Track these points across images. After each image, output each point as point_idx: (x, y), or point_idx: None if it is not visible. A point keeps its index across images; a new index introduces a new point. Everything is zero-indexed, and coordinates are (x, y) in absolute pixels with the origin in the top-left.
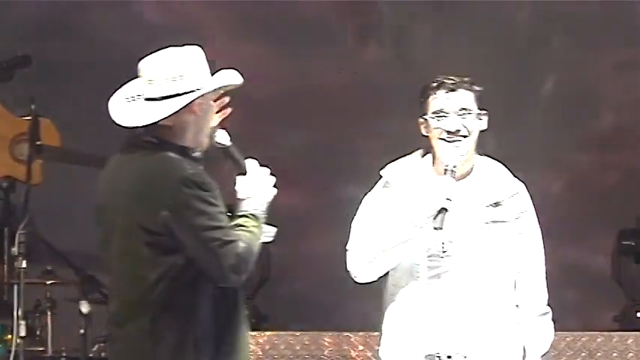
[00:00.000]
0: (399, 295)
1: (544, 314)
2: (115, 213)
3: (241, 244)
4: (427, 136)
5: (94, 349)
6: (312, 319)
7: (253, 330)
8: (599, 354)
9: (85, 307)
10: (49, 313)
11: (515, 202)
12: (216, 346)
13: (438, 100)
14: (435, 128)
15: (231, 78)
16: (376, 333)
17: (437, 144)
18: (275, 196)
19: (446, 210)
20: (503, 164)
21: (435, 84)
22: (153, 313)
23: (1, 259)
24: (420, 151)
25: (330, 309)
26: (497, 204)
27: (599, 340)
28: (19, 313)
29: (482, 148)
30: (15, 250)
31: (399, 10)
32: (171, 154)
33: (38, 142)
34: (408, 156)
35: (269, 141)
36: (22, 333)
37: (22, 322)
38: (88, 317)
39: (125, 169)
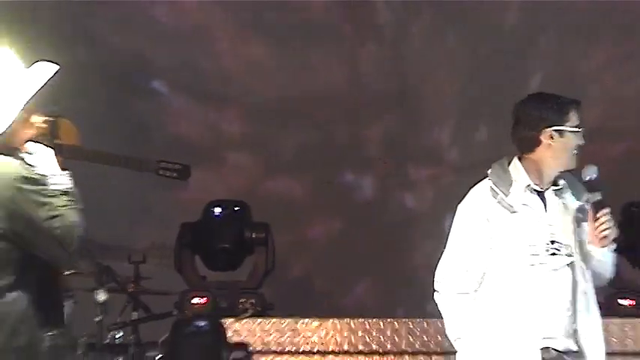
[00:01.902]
0: (507, 300)
1: None
2: None
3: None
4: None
5: (109, 335)
6: (314, 304)
7: (259, 317)
8: None
9: (101, 296)
10: (68, 302)
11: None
12: (45, 320)
13: (577, 116)
14: (572, 141)
15: (44, 71)
16: (375, 319)
17: (569, 155)
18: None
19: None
20: None
21: (570, 101)
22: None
23: None
24: (505, 161)
25: (330, 294)
26: (581, 207)
27: None
28: None
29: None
30: None
31: (395, 13)
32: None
33: (57, 141)
34: (496, 167)
35: (272, 137)
36: None
37: None
38: (103, 305)
39: None
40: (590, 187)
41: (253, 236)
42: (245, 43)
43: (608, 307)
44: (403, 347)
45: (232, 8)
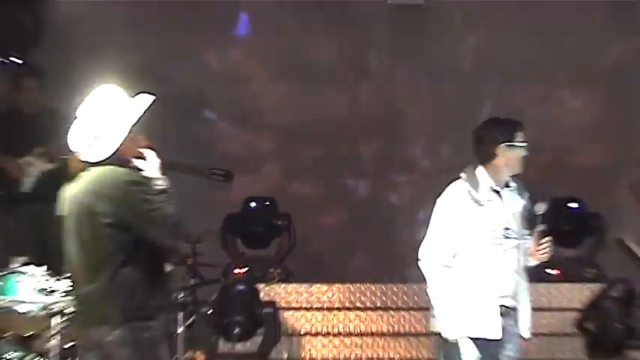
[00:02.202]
0: (476, 272)
1: None
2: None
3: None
4: (496, 155)
5: (174, 296)
6: (324, 273)
7: (283, 282)
8: None
9: (167, 268)
10: None
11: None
12: (151, 289)
13: (521, 134)
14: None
15: (144, 101)
16: (368, 284)
17: (518, 164)
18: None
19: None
20: None
21: (517, 123)
22: (111, 272)
23: None
24: (472, 167)
25: (336, 266)
26: (524, 205)
27: None
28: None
29: None
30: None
31: (382, 61)
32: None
33: None
34: (465, 172)
35: (293, 151)
36: None
37: None
38: (169, 275)
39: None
40: (540, 218)
41: (279, 223)
42: (273, 83)
43: (538, 275)
44: (389, 304)
45: (264, 58)
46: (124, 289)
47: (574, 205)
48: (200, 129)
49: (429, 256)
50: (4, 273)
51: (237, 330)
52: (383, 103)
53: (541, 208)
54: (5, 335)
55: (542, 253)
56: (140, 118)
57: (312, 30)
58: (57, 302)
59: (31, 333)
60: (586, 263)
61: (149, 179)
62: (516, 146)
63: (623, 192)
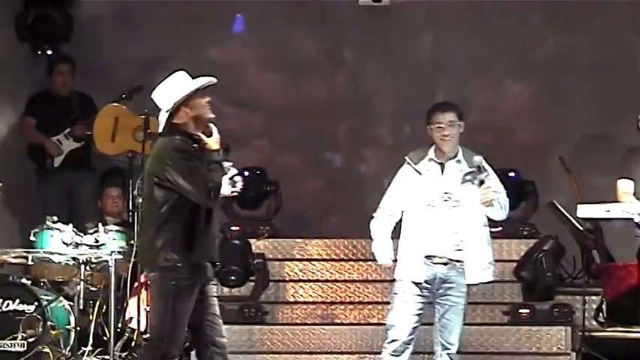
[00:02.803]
0: (411, 228)
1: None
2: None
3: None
4: (430, 134)
5: None
6: (306, 230)
7: (271, 237)
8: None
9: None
10: None
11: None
12: (193, 242)
13: (440, 116)
14: (437, 132)
15: (199, 82)
16: (342, 239)
17: (438, 141)
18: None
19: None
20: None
21: (434, 107)
22: (157, 226)
23: (127, 197)
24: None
25: (316, 224)
26: (469, 172)
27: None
28: (137, 228)
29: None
30: (135, 192)
31: (355, 53)
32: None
33: (148, 131)
34: (418, 150)
35: (280, 129)
36: None
37: None
38: None
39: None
40: (477, 170)
41: (268, 189)
42: (264, 72)
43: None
44: (359, 256)
45: (256, 51)
46: (163, 243)
47: (512, 174)
48: None
49: (380, 211)
50: (40, 229)
51: (232, 277)
52: (355, 90)
53: (477, 160)
54: (41, 280)
55: (484, 200)
56: (190, 94)
57: (296, 27)
58: (83, 254)
59: (61, 279)
60: (523, 222)
61: (195, 148)
62: (433, 128)
63: (553, 164)
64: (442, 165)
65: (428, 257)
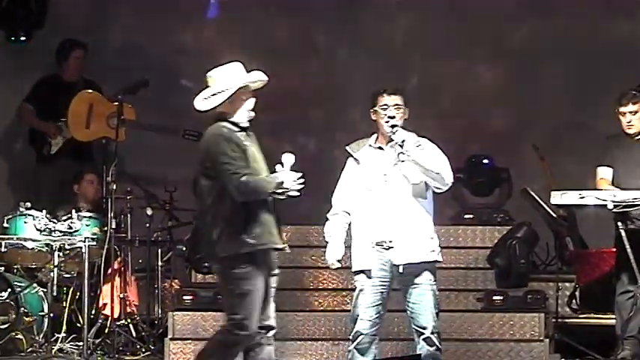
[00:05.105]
0: (357, 217)
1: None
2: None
3: (244, 179)
4: (375, 120)
5: (154, 235)
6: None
7: None
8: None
9: (149, 211)
10: (128, 215)
11: (421, 146)
12: (248, 227)
13: (386, 99)
14: (382, 116)
15: (250, 77)
16: (315, 226)
17: (383, 124)
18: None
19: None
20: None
21: (379, 90)
22: (211, 212)
23: (102, 184)
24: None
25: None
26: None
27: None
28: (111, 214)
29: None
30: (109, 178)
31: (329, 42)
32: (222, 124)
33: (122, 117)
34: (361, 140)
35: (255, 115)
36: (113, 226)
37: (113, 220)
38: (151, 217)
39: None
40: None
41: None
42: (238, 58)
43: (457, 220)
44: None
45: (231, 38)
46: (215, 227)
47: (486, 161)
48: (176, 97)
49: (331, 209)
50: (13, 215)
51: (206, 264)
52: (328, 75)
53: (396, 137)
54: (14, 267)
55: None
56: (243, 86)
57: (270, 14)
58: (56, 240)
59: (35, 266)
60: (496, 209)
61: (238, 137)
62: (377, 110)
63: (527, 150)
64: (381, 149)
65: (378, 244)
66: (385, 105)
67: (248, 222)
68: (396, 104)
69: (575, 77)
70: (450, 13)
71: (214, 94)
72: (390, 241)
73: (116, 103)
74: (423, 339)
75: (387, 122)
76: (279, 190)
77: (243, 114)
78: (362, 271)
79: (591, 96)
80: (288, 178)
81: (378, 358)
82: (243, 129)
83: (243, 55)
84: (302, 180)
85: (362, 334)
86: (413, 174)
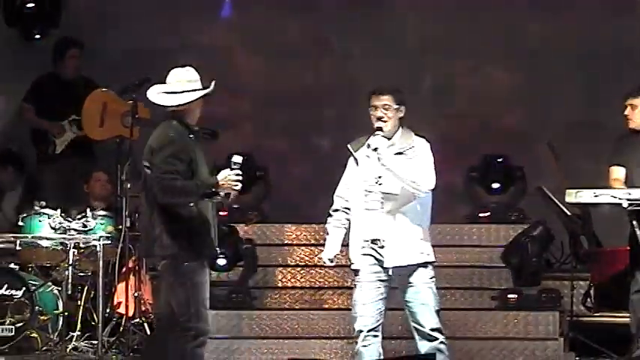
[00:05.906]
0: (354, 216)
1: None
2: None
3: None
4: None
5: None
6: (293, 215)
7: (259, 223)
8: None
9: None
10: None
11: (413, 148)
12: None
13: (375, 100)
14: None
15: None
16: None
17: (374, 123)
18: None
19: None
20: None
21: (371, 92)
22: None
23: (111, 182)
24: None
25: (303, 208)
26: (400, 153)
27: None
28: (126, 213)
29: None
30: (124, 177)
31: (341, 41)
32: (174, 122)
33: (136, 116)
34: (362, 137)
35: (268, 114)
36: (128, 224)
37: (128, 218)
38: None
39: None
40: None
41: (257, 174)
42: (251, 57)
43: (472, 218)
44: (346, 240)
45: (244, 37)
46: (159, 232)
47: (500, 160)
48: None
49: (332, 207)
50: (28, 214)
51: (222, 262)
52: (342, 74)
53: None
54: (29, 265)
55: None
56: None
57: (284, 14)
58: (71, 239)
59: (49, 264)
60: (511, 208)
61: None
62: (370, 110)
63: (541, 149)
64: (377, 150)
65: (373, 242)
66: (373, 106)
67: (185, 227)
68: (385, 104)
69: (588, 76)
70: (464, 12)
71: (183, 92)
72: (383, 240)
73: (130, 102)
74: (422, 336)
75: (377, 123)
76: (215, 190)
77: (195, 117)
78: (358, 269)
79: (605, 94)
80: (226, 177)
81: (382, 357)
82: (192, 132)
83: (255, 54)
84: (240, 179)
85: (363, 331)
86: (392, 179)
